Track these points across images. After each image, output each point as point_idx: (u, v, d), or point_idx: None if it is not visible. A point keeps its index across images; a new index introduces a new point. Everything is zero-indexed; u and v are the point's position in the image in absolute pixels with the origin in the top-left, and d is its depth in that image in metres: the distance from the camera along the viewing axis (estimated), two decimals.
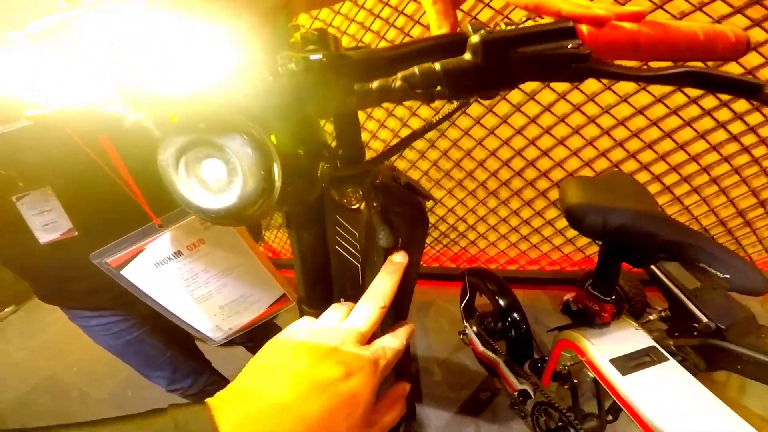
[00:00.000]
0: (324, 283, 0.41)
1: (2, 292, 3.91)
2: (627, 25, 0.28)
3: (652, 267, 1.08)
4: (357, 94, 0.26)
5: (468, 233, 1.85)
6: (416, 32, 1.41)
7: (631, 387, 0.75)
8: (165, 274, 0.55)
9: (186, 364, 1.12)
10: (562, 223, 1.65)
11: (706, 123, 1.29)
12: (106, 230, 0.55)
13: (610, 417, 0.92)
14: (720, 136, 1.31)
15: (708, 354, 0.95)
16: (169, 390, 1.12)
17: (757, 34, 1.11)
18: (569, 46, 0.26)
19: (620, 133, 1.38)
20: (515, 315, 1.21)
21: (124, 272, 0.53)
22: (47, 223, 0.69)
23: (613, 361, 0.79)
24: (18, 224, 0.65)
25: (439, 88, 0.26)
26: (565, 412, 0.92)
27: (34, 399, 2.30)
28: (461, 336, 1.37)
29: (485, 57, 0.26)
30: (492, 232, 1.80)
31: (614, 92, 1.30)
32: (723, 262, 0.64)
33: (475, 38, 0.26)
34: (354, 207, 0.33)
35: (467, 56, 0.26)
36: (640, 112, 1.31)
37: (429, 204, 0.40)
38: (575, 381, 0.92)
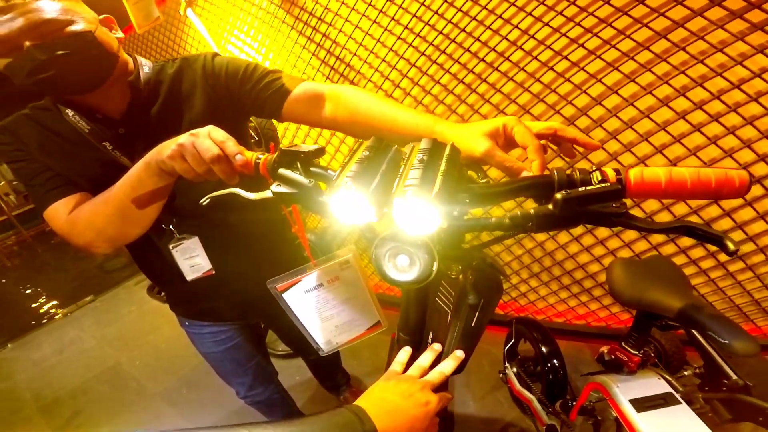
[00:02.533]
0: (419, 319, 0.71)
1: (85, 282, 4.49)
2: (661, 173, 0.45)
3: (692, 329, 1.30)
4: (482, 225, 0.52)
5: (520, 286, 2.11)
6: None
7: (643, 423, 0.98)
8: (309, 299, 0.87)
9: (264, 372, 1.41)
10: None
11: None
12: (240, 269, 0.90)
13: None
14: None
15: (734, 406, 1.12)
16: (245, 396, 1.39)
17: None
18: (614, 205, 0.45)
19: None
20: (555, 361, 1.45)
21: (285, 295, 0.85)
22: (193, 266, 1.04)
23: (632, 401, 1.02)
24: (172, 265, 1.00)
25: (530, 224, 0.49)
26: None
27: (93, 386, 2.57)
28: (501, 375, 1.62)
29: (562, 210, 0.44)
30: (543, 287, 2.05)
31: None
32: (724, 330, 0.87)
33: (558, 196, 0.44)
34: (454, 276, 0.63)
35: (551, 207, 0.47)
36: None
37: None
38: (599, 418, 1.15)
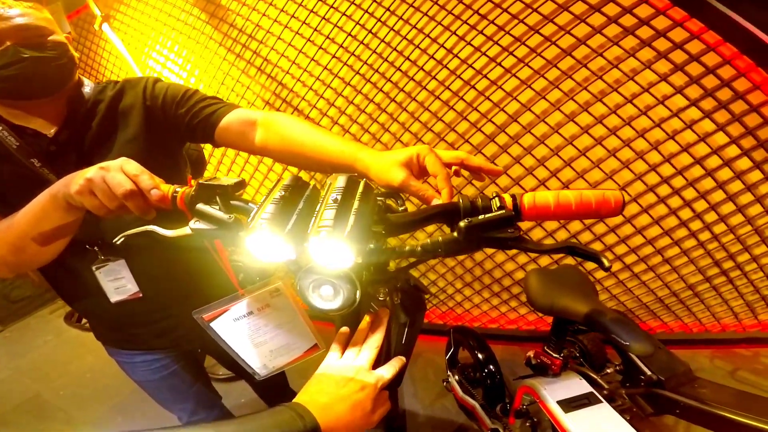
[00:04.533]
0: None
1: None
2: (550, 197, 0.50)
3: None
4: (398, 254, 0.52)
5: (455, 296, 2.13)
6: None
7: (571, 422, 1.00)
8: (239, 326, 0.81)
9: (206, 397, 1.32)
10: None
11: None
12: (169, 293, 0.81)
13: None
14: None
15: (653, 400, 1.17)
16: (188, 421, 1.29)
17: None
18: (510, 231, 0.49)
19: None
20: (491, 367, 1.46)
21: (213, 324, 0.79)
22: (119, 287, 0.96)
23: (559, 402, 1.04)
24: (95, 287, 0.92)
25: (439, 250, 0.52)
26: None
27: (14, 418, 2.32)
28: (444, 383, 1.61)
29: (466, 237, 0.50)
30: (476, 295, 2.08)
31: (601, 170, 1.64)
32: (626, 331, 0.92)
33: (462, 224, 0.48)
34: (381, 299, 0.60)
35: (456, 234, 0.50)
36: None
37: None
38: (535, 420, 1.17)
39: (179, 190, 0.58)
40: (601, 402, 1.06)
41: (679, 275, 1.77)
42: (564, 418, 1.01)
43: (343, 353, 0.63)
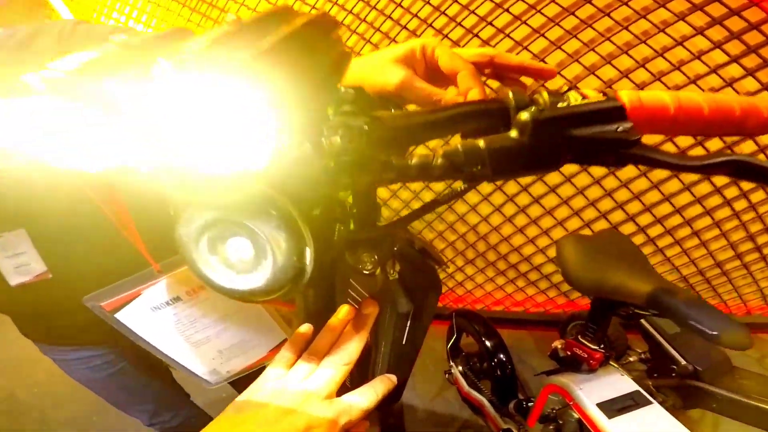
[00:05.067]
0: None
1: None
2: (667, 98, 0.29)
3: None
4: (395, 170, 0.25)
5: (456, 275, 1.88)
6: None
7: (616, 429, 0.76)
8: (162, 319, 0.55)
9: (168, 395, 1.10)
10: (548, 268, 1.69)
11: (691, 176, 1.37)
12: (88, 274, 0.54)
13: None
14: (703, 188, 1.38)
15: (685, 394, 1.00)
16: (150, 424, 1.09)
17: None
18: (619, 129, 0.25)
19: (611, 182, 1.45)
20: (501, 356, 1.23)
21: (119, 316, 0.53)
22: (19, 266, 0.68)
23: (599, 405, 0.81)
24: None
25: (479, 167, 0.25)
26: None
27: None
28: (446, 375, 1.37)
29: (534, 137, 0.25)
30: (480, 274, 1.83)
31: None
32: (710, 319, 0.67)
33: (524, 115, 0.25)
34: (369, 272, 0.34)
35: (513, 134, 0.25)
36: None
37: None
38: (560, 422, 0.93)
39: None
40: (650, 403, 0.82)
41: (707, 251, 1.53)
42: (607, 425, 0.77)
43: (291, 366, 0.37)
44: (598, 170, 1.41)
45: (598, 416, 0.79)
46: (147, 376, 1.01)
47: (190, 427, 1.18)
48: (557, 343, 0.96)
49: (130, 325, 0.54)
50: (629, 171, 1.40)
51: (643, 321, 1.16)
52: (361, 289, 0.35)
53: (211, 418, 1.06)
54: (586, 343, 0.87)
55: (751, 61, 1.15)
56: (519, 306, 1.86)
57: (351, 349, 0.36)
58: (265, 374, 0.38)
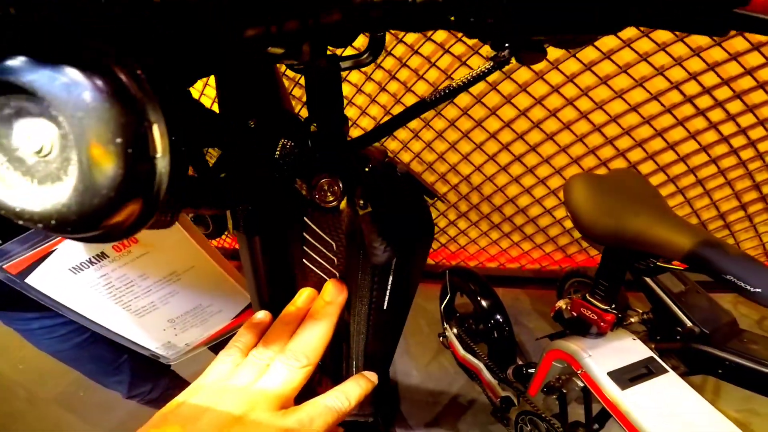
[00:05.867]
0: (285, 302, 0.30)
1: None
2: None
3: None
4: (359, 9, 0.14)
5: (448, 229, 1.77)
6: None
7: (630, 401, 0.67)
8: (87, 282, 0.43)
9: (145, 366, 1.03)
10: (544, 221, 1.58)
11: (714, 116, 1.24)
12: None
13: (596, 426, 0.85)
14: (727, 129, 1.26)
15: (690, 358, 0.92)
16: (129, 396, 1.04)
17: None
18: None
19: (613, 130, 1.32)
20: (498, 317, 1.13)
21: (30, 280, 0.41)
22: None
23: (611, 374, 0.71)
24: None
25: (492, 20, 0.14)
26: (552, 422, 0.85)
27: None
28: (441, 339, 1.29)
29: None
30: (473, 228, 1.72)
31: (610, 87, 1.24)
32: (752, 274, 0.56)
33: None
34: (331, 205, 0.22)
35: None
36: (634, 109, 1.25)
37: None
38: (564, 390, 0.85)
39: None
40: (666, 371, 0.74)
41: (712, 201, 1.42)
42: (620, 397, 0.68)
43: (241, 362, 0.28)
44: (598, 117, 1.28)
45: (609, 387, 0.70)
46: (119, 346, 0.93)
47: (172, 398, 1.12)
48: (562, 303, 0.85)
49: (47, 292, 0.42)
50: (632, 118, 1.27)
51: (647, 277, 1.06)
52: (322, 232, 0.23)
53: None
54: (595, 302, 0.76)
55: None
56: (515, 262, 1.77)
57: (312, 346, 0.27)
58: (207, 371, 0.28)
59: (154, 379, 1.06)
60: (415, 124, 1.46)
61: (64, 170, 0.12)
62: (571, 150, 1.38)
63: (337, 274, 0.26)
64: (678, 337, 0.97)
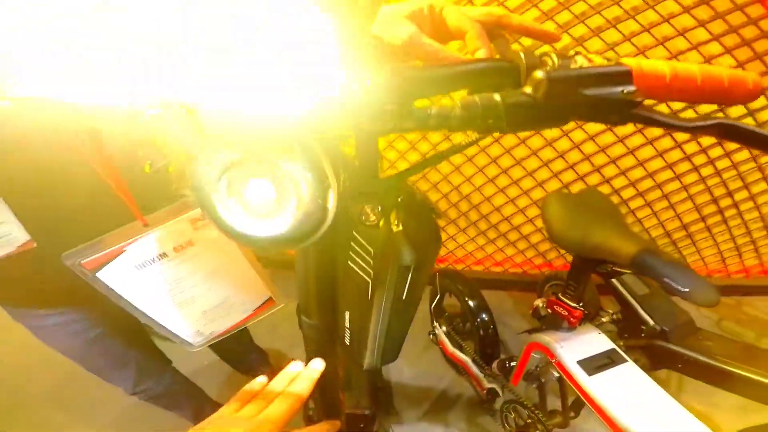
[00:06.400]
0: (327, 295, 0.39)
1: None
2: (665, 67, 0.30)
3: None
4: (414, 117, 0.24)
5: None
6: None
7: (595, 386, 0.78)
8: (147, 278, 0.51)
9: (150, 361, 1.06)
10: (527, 228, 1.69)
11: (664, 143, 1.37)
12: (73, 236, 0.50)
13: (572, 413, 0.95)
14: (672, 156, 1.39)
15: (653, 354, 1.00)
16: (135, 392, 1.05)
17: None
18: (624, 91, 0.26)
19: (590, 147, 1.43)
20: (484, 316, 1.23)
21: (101, 275, 0.49)
22: (1, 236, 0.62)
23: (579, 362, 0.82)
24: None
25: (495, 120, 0.25)
26: (533, 409, 0.95)
27: None
28: (430, 336, 1.38)
29: (547, 94, 0.25)
30: (461, 234, 1.82)
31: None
32: (683, 277, 0.67)
33: (539, 74, 0.25)
34: (372, 224, 0.31)
35: (528, 90, 0.25)
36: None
37: None
38: (542, 380, 0.95)
39: None
40: (626, 361, 0.84)
41: (676, 213, 1.55)
42: (588, 382, 0.78)
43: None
44: (578, 135, 1.40)
45: (578, 374, 0.80)
46: (127, 342, 0.96)
47: (174, 394, 1.16)
48: (539, 302, 0.96)
49: (112, 285, 0.50)
50: (607, 137, 1.39)
51: (615, 282, 1.16)
52: (364, 242, 0.32)
53: (194, 385, 1.04)
54: (566, 301, 0.87)
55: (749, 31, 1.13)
56: (499, 266, 1.87)
57: (277, 417, 0.38)
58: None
59: (158, 374, 1.08)
60: (412, 136, 1.56)
61: (278, 212, 0.21)
62: (553, 165, 1.49)
63: (372, 273, 0.35)
64: (642, 335, 1.05)
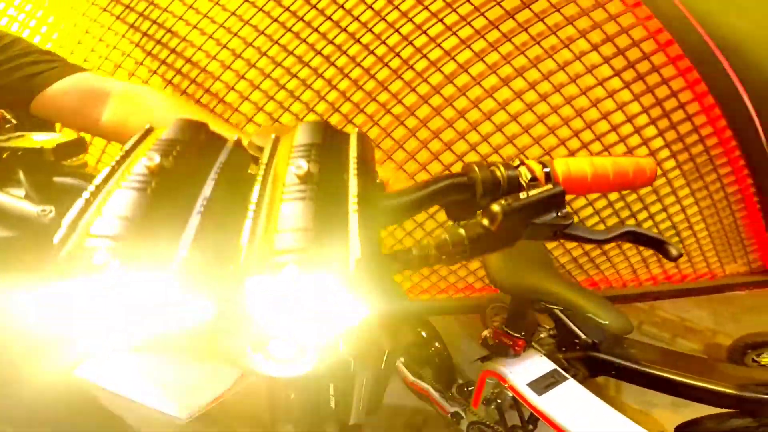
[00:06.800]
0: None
1: None
2: (587, 167, 0.38)
3: None
4: (401, 260, 0.30)
5: None
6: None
7: (546, 404, 0.89)
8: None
9: None
10: None
11: None
12: None
13: (530, 427, 1.06)
14: None
15: (589, 364, 1.12)
16: None
17: None
18: (559, 214, 0.34)
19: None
20: (436, 344, 1.31)
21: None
22: None
23: (529, 384, 0.93)
24: None
25: (462, 252, 0.32)
26: (496, 428, 1.04)
27: None
28: None
29: (502, 225, 0.31)
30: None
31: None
32: (602, 310, 0.82)
33: (496, 208, 0.31)
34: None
35: (485, 222, 0.31)
36: None
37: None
38: (499, 401, 1.04)
39: None
40: (567, 378, 0.97)
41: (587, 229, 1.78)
42: (539, 402, 0.89)
43: None
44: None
45: (530, 395, 0.91)
46: None
47: None
48: (486, 333, 1.07)
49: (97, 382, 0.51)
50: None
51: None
52: None
53: None
54: (510, 332, 0.99)
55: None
56: (443, 293, 1.99)
57: None
58: None
59: None
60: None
61: (298, 357, 0.26)
62: None
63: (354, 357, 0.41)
64: (577, 348, 1.17)
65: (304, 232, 0.19)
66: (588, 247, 1.80)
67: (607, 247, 1.81)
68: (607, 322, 0.81)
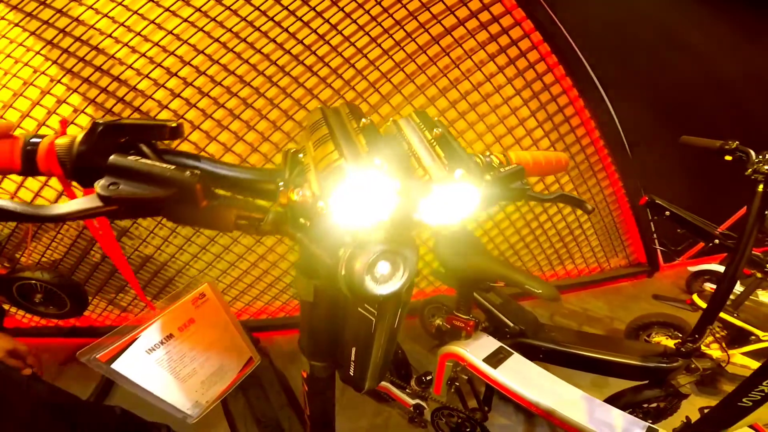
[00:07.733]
0: (334, 338, 0.50)
1: None
2: (529, 157, 0.59)
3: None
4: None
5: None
6: None
7: (502, 376, 1.00)
8: (155, 360, 0.53)
9: None
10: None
11: None
12: None
13: (486, 408, 1.17)
14: None
15: (520, 349, 1.20)
16: None
17: None
18: (522, 182, 0.49)
19: None
20: None
21: (116, 366, 0.49)
22: None
23: (485, 360, 1.03)
24: None
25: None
26: (459, 411, 1.12)
27: None
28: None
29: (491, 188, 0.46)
30: None
31: None
32: (534, 282, 0.97)
33: (489, 177, 0.46)
34: None
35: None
36: None
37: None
38: (457, 384, 1.14)
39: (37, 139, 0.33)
40: (512, 353, 1.08)
41: (504, 236, 2.01)
42: (495, 374, 1.00)
43: None
44: None
45: (487, 369, 1.02)
46: None
47: None
48: (438, 321, 1.18)
49: (126, 374, 0.50)
50: None
51: (477, 295, 1.42)
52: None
53: None
54: (461, 315, 1.10)
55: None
56: None
57: None
58: None
59: None
60: None
61: (390, 279, 0.33)
62: None
63: (376, 312, 0.47)
64: (508, 336, 1.34)
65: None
66: (503, 247, 2.03)
67: (518, 247, 2.07)
68: (540, 291, 0.95)
